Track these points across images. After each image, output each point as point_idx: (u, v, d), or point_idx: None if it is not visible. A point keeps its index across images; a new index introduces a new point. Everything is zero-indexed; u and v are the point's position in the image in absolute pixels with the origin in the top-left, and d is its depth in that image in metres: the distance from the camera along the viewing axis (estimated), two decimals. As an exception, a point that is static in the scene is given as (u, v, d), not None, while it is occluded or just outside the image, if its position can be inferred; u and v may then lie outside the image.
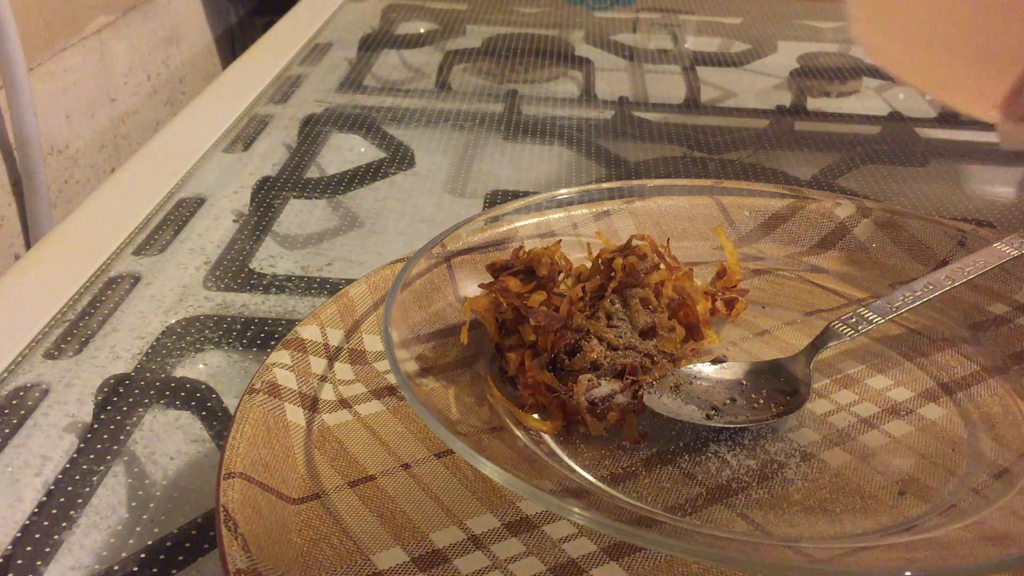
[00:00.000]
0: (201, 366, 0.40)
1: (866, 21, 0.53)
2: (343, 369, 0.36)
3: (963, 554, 0.28)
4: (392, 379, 0.36)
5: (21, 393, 0.38)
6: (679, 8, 0.96)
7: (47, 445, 0.36)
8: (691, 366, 0.35)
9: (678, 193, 0.45)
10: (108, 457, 0.35)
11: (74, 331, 0.42)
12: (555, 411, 0.33)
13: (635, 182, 0.46)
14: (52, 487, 0.34)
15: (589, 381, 0.34)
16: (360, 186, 0.57)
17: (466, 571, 0.28)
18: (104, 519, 0.33)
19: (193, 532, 0.32)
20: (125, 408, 0.38)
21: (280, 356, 0.34)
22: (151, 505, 0.33)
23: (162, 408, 0.38)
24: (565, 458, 0.32)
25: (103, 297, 0.45)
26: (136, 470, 0.35)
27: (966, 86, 0.46)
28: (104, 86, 0.88)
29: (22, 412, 0.37)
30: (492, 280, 0.38)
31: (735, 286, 0.41)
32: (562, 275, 0.38)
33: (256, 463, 0.30)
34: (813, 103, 0.72)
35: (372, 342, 0.37)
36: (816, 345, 0.36)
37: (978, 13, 0.44)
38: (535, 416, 0.33)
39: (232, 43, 1.19)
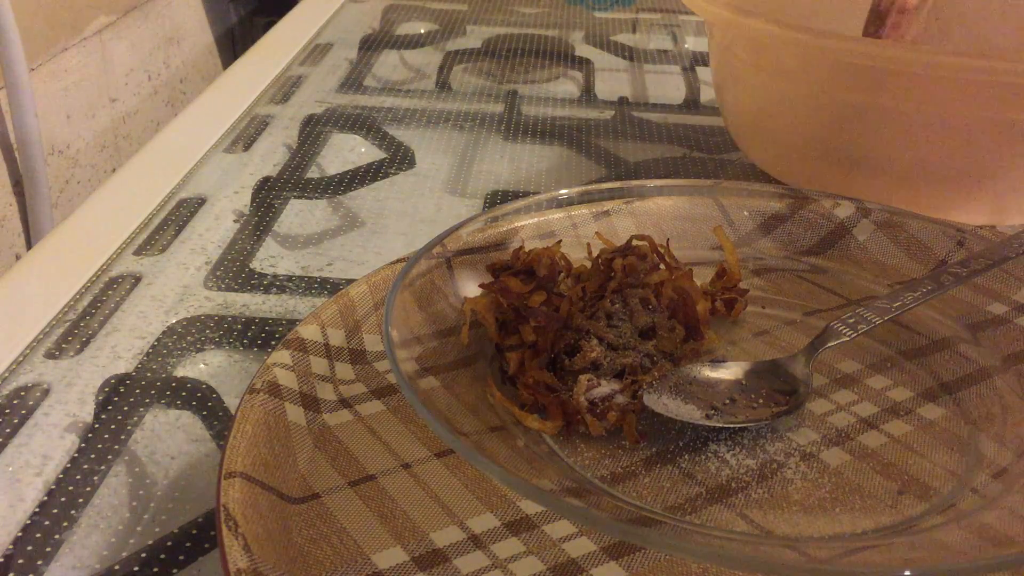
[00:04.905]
0: (202, 366, 0.41)
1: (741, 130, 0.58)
2: (344, 369, 0.36)
3: (963, 554, 0.28)
4: (392, 379, 0.36)
5: (22, 393, 0.38)
6: (679, 8, 0.96)
7: (48, 445, 0.36)
8: (691, 366, 0.35)
9: (678, 193, 0.45)
10: (109, 457, 0.35)
11: (75, 331, 0.42)
12: (555, 411, 0.33)
13: (635, 182, 0.46)
14: (53, 487, 0.34)
15: (589, 381, 0.34)
16: (360, 186, 0.57)
17: (466, 570, 0.28)
18: (105, 519, 0.33)
19: (194, 532, 0.32)
20: (126, 408, 0.38)
21: (281, 356, 0.34)
22: (152, 505, 0.33)
23: (163, 408, 0.38)
24: (565, 458, 0.32)
25: (104, 297, 0.45)
26: (137, 470, 0.35)
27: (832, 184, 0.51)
28: (105, 86, 0.88)
29: (23, 412, 0.37)
30: (492, 280, 0.38)
31: (735, 286, 0.41)
32: (562, 275, 0.38)
33: (257, 463, 0.30)
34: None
35: (372, 342, 0.37)
36: (816, 345, 0.36)
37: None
38: (535, 416, 0.33)
39: (233, 43, 1.19)
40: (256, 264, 0.48)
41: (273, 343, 0.41)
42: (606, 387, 0.34)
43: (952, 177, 0.48)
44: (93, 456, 0.35)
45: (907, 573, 0.25)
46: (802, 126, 0.51)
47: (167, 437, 0.36)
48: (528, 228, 0.42)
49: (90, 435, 0.36)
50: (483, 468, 0.28)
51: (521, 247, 0.39)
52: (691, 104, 0.71)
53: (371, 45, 0.83)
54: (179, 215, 0.53)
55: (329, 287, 0.46)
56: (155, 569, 0.31)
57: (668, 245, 0.39)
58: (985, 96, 0.45)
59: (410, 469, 0.32)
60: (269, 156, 0.60)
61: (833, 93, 0.48)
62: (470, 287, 0.38)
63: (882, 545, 0.29)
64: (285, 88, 0.72)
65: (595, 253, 0.39)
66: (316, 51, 0.81)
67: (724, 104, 0.58)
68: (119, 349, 0.41)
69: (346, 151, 0.62)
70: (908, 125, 0.47)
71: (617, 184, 0.44)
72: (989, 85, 0.44)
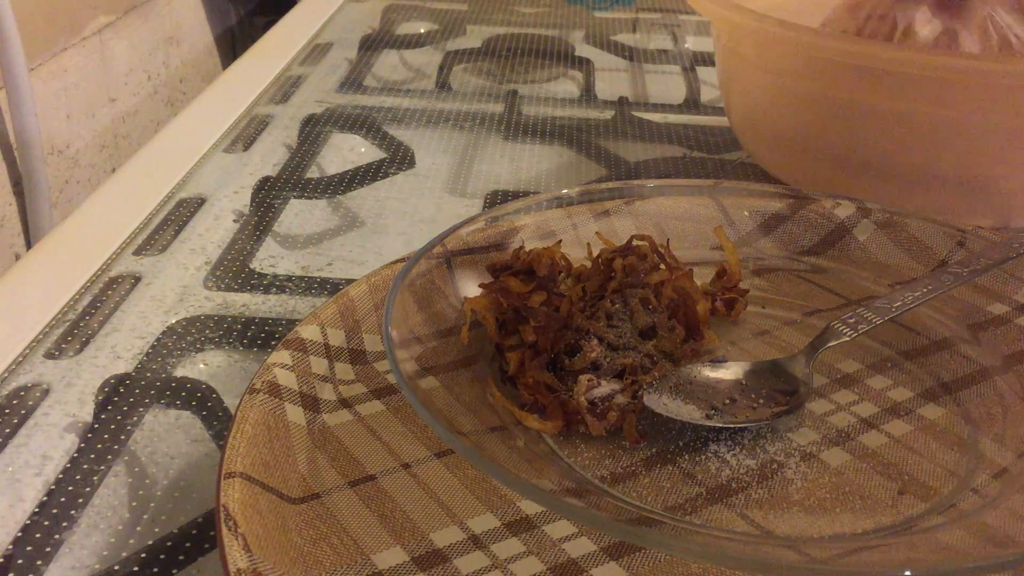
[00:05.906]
0: (202, 366, 0.41)
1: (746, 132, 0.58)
2: (343, 369, 0.36)
3: (963, 554, 0.28)
4: (392, 379, 0.36)
5: (22, 393, 0.38)
6: (679, 8, 0.96)
7: (48, 445, 0.36)
8: (691, 366, 0.35)
9: (678, 193, 0.45)
10: (109, 457, 0.35)
11: (75, 331, 0.42)
12: (555, 411, 0.33)
13: (635, 182, 0.46)
14: (53, 487, 0.34)
15: (589, 381, 0.34)
16: (360, 186, 0.57)
17: (466, 571, 0.28)
18: (105, 519, 0.33)
19: (194, 532, 0.32)
20: (126, 408, 0.38)
21: (281, 356, 0.34)
22: (152, 505, 0.33)
23: (163, 408, 0.38)
24: (565, 458, 0.32)
25: (104, 297, 0.45)
26: (137, 470, 0.35)
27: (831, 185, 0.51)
28: (104, 86, 0.88)
29: (23, 412, 0.37)
30: (492, 280, 0.38)
31: (735, 286, 0.41)
32: (562, 275, 0.38)
33: (256, 463, 0.30)
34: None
35: (372, 342, 0.37)
36: (816, 345, 0.36)
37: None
38: (535, 416, 0.33)
39: (232, 43, 1.19)
40: (256, 264, 0.48)
41: (273, 343, 0.41)
42: (606, 387, 0.34)
43: (957, 179, 0.48)
44: (93, 456, 0.35)
45: (907, 573, 0.25)
46: (807, 128, 0.51)
47: (167, 437, 0.36)
48: (528, 228, 0.42)
49: (90, 435, 0.36)
50: (483, 468, 0.28)
51: (521, 247, 0.39)
52: (691, 104, 0.71)
53: (371, 45, 0.83)
54: (179, 215, 0.53)
55: (329, 287, 0.46)
56: (155, 569, 0.31)
57: (668, 245, 0.39)
58: (991, 99, 0.45)
59: (410, 469, 0.32)
60: (269, 156, 0.60)
61: (839, 95, 0.48)
62: (470, 287, 0.38)
63: (882, 545, 0.29)
64: (285, 88, 0.72)
65: (595, 253, 0.39)
66: (316, 51, 0.81)
67: (729, 105, 0.58)
68: (119, 349, 0.41)
69: (346, 151, 0.62)
70: (914, 127, 0.47)
71: (617, 184, 0.44)
72: (995, 88, 0.44)
